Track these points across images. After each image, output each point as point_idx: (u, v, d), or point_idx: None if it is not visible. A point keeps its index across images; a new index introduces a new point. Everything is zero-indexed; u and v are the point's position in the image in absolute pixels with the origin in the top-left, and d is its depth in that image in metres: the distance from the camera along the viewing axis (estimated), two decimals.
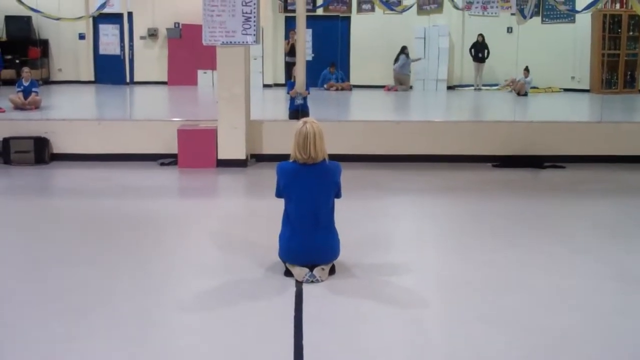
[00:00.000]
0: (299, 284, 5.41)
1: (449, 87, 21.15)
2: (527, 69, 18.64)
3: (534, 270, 5.95)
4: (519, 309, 5.05)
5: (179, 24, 21.43)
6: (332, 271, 5.64)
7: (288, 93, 12.36)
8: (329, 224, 5.63)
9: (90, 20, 20.05)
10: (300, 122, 5.58)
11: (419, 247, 6.67)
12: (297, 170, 5.54)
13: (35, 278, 5.65)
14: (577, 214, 8.13)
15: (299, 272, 5.49)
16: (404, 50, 20.79)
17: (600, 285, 5.61)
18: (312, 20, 15.88)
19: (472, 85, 20.69)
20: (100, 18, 17.28)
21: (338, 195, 5.71)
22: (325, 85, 20.14)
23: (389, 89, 20.76)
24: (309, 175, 5.52)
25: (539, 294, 5.36)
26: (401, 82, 20.69)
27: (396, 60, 20.87)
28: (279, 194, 5.69)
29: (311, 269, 5.50)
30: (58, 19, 11.97)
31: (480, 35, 20.36)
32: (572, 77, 20.65)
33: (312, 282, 5.44)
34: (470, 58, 20.87)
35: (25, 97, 14.17)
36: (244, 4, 10.00)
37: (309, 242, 5.51)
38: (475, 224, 7.49)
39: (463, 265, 6.08)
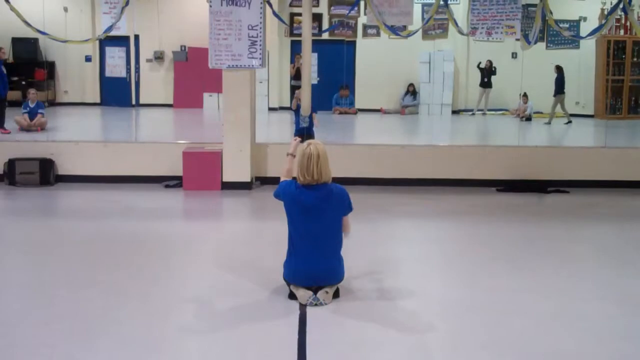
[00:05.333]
0: (302, 307, 5.40)
1: (454, 112, 21.20)
2: (525, 95, 18.69)
3: (538, 294, 5.93)
4: (522, 333, 5.03)
5: (185, 47, 21.55)
6: (336, 294, 5.62)
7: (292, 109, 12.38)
8: (333, 247, 5.62)
9: (97, 42, 20.16)
10: (305, 143, 5.60)
11: (424, 271, 6.65)
12: (300, 192, 5.56)
13: (40, 300, 5.65)
14: (580, 238, 8.12)
15: (303, 294, 5.47)
16: (414, 90, 21.25)
17: (604, 310, 5.60)
18: (317, 45, 15.95)
19: (480, 110, 20.69)
20: (107, 40, 17.37)
21: (349, 210, 5.70)
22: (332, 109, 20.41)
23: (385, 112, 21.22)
24: (312, 198, 5.54)
25: (542, 318, 5.34)
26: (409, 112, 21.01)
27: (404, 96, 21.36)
28: (277, 195, 5.75)
29: (315, 292, 5.49)
30: (65, 41, 12.03)
31: (488, 61, 20.43)
32: (577, 103, 20.65)
33: (316, 305, 5.43)
34: (476, 83, 20.92)
35: (31, 119, 14.23)
36: (250, 27, 10.07)
37: (313, 265, 5.51)
38: (479, 248, 7.47)
39: (467, 289, 6.06)
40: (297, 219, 5.57)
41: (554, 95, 18.65)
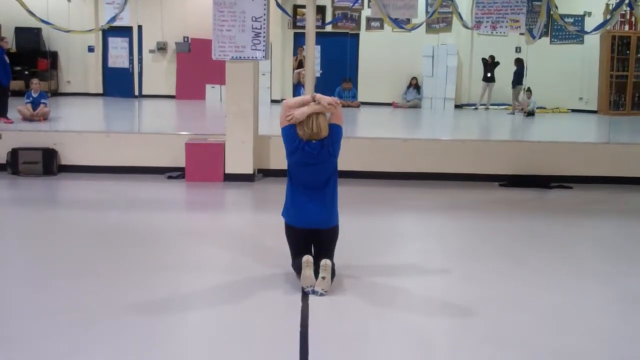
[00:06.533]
0: (305, 300, 5.40)
1: (457, 106, 21.17)
2: (529, 90, 18.67)
3: (539, 290, 5.92)
4: (523, 329, 5.03)
5: (188, 38, 21.52)
6: (332, 273, 5.65)
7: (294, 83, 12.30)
8: (329, 193, 5.80)
9: (100, 33, 20.14)
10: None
11: (425, 266, 6.64)
12: (302, 146, 5.72)
13: (41, 290, 5.65)
14: (583, 234, 8.11)
15: (308, 276, 5.51)
16: (417, 84, 21.34)
17: (605, 307, 5.60)
18: (320, 37, 15.92)
19: (482, 105, 20.67)
20: (110, 31, 17.29)
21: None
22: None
23: (397, 106, 21.05)
24: (311, 154, 5.70)
25: (543, 314, 5.34)
26: (413, 106, 21.05)
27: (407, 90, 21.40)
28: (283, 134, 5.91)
29: (315, 244, 5.75)
30: (68, 31, 12.00)
31: (491, 56, 20.38)
32: (580, 98, 20.65)
33: (314, 294, 5.48)
34: (479, 77, 20.89)
35: (34, 109, 14.21)
36: (254, 19, 10.04)
37: (309, 210, 5.72)
38: (481, 243, 7.47)
39: (469, 284, 6.06)
40: (295, 167, 5.79)
41: (513, 87, 19.54)
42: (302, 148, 5.70)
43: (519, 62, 19.18)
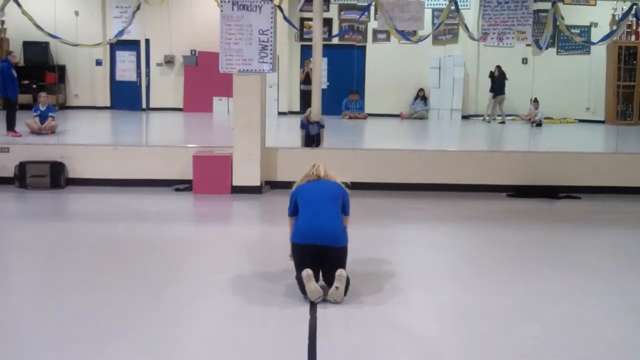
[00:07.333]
0: (313, 312, 5.39)
1: (464, 117, 21.18)
2: (536, 101, 18.66)
3: (550, 301, 5.90)
4: (533, 339, 5.01)
5: (195, 51, 21.60)
6: (346, 284, 5.63)
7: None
8: (336, 212, 5.90)
9: (108, 46, 20.23)
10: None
11: (435, 277, 6.63)
12: (304, 186, 6.00)
13: (50, 303, 5.65)
14: (592, 244, 8.08)
15: (314, 289, 5.50)
16: (424, 95, 21.47)
17: (617, 317, 5.57)
18: (327, 49, 15.97)
19: (490, 115, 20.64)
20: (118, 44, 17.32)
21: (346, 212, 6.06)
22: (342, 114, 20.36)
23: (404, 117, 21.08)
24: (317, 183, 5.95)
25: (555, 325, 5.31)
26: (420, 117, 21.11)
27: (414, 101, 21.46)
28: (292, 213, 6.03)
29: (323, 264, 5.72)
30: (76, 45, 12.07)
31: (497, 67, 20.38)
32: (587, 108, 20.63)
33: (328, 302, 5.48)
34: (486, 88, 20.89)
35: (42, 122, 14.29)
36: (261, 32, 10.07)
37: (317, 223, 5.73)
38: (490, 254, 7.45)
39: (479, 295, 6.04)
40: (305, 192, 5.95)
41: (494, 97, 20.25)
42: (306, 185, 6.01)
43: (500, 72, 19.79)
